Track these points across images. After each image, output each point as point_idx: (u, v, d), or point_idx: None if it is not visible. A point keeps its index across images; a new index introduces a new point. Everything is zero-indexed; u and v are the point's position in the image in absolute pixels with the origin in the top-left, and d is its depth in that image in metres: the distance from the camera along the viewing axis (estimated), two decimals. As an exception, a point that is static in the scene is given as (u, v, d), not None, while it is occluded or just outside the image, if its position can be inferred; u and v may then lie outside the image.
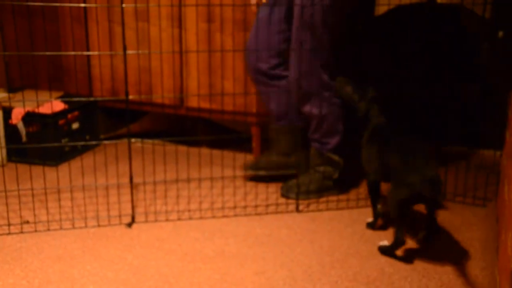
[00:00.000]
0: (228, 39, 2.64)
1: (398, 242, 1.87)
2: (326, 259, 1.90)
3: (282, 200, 2.36)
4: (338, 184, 2.43)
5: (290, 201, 2.34)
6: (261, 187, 2.47)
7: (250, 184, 2.49)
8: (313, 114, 2.37)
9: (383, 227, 2.12)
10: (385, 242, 1.94)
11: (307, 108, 2.37)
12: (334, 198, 2.39)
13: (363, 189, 2.45)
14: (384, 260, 1.90)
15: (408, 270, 1.84)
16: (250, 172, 2.54)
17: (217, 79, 2.71)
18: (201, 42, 2.68)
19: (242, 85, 2.68)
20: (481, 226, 2.16)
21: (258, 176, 2.54)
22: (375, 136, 2.05)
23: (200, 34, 2.67)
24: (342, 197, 2.39)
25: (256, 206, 2.30)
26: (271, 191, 2.44)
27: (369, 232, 2.10)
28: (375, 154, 2.02)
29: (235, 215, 2.23)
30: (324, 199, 2.38)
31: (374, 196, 2.11)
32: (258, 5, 2.41)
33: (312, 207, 2.32)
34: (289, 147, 2.52)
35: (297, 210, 2.28)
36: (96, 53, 2.87)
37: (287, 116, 2.50)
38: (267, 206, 2.30)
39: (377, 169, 2.02)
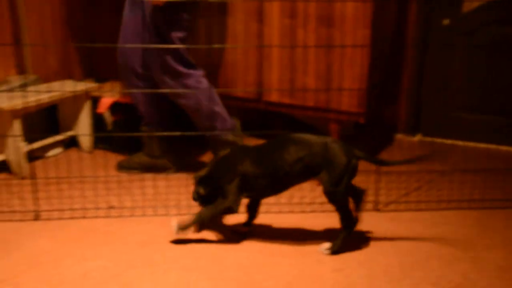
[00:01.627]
0: (310, 35, 2.63)
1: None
2: (407, 260, 1.86)
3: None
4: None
5: (369, 199, 2.31)
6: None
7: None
8: (187, 105, 2.42)
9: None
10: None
11: (181, 101, 2.42)
12: (414, 199, 2.33)
13: (446, 192, 2.38)
14: (468, 265, 1.83)
15: (492, 278, 1.77)
16: (124, 171, 2.58)
17: (297, 74, 2.71)
18: (282, 37, 2.68)
19: (322, 81, 2.66)
20: None
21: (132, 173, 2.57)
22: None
23: (282, 29, 2.68)
24: (423, 198, 2.34)
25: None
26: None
27: (451, 235, 2.04)
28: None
29: (313, 211, 2.23)
30: (403, 199, 2.33)
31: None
32: None
33: (392, 206, 2.28)
34: (156, 151, 2.57)
35: (376, 209, 2.25)
36: (181, 46, 2.94)
37: (156, 120, 2.55)
38: (344, 203, 2.28)
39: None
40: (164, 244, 1.94)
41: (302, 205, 2.27)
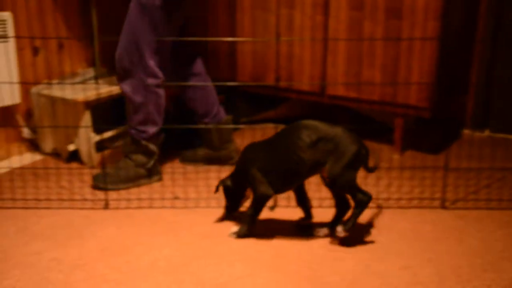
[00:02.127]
0: (377, 28, 2.58)
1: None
2: (477, 261, 1.81)
3: (426, 195, 2.28)
4: (151, 173, 2.38)
5: (435, 196, 2.26)
6: (405, 180, 2.40)
7: (392, 176, 2.44)
8: (133, 99, 2.30)
9: None
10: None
11: (124, 87, 2.31)
12: (483, 196, 2.26)
13: (516, 190, 2.29)
14: (543, 268, 1.76)
15: None
16: (187, 163, 2.58)
17: (362, 67, 2.67)
18: (348, 30, 2.65)
19: (387, 74, 2.61)
20: None
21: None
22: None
23: (346, 21, 2.64)
24: (494, 196, 2.26)
25: (398, 199, 2.24)
26: (415, 184, 2.36)
27: (524, 236, 1.96)
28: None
29: (377, 207, 2.20)
30: (472, 196, 2.26)
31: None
32: None
33: (459, 204, 2.21)
34: (216, 142, 2.57)
35: (443, 206, 2.19)
36: (249, 39, 2.95)
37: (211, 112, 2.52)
38: (410, 200, 2.24)
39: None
40: (228, 236, 1.96)
41: (378, 201, 2.23)
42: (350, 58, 2.69)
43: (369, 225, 2.05)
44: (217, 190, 2.02)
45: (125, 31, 2.28)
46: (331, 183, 1.88)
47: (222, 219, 2.08)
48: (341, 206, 1.95)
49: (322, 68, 2.79)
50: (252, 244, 1.91)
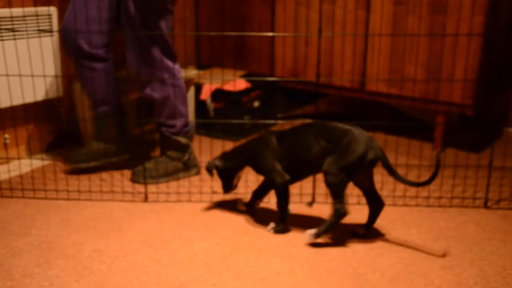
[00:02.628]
0: (417, 23, 2.54)
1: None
2: (522, 263, 1.76)
3: (468, 194, 2.24)
4: (188, 166, 2.37)
5: (478, 196, 2.21)
6: (446, 178, 2.35)
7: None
8: (153, 97, 2.27)
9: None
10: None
11: (147, 92, 2.28)
12: (527, 197, 2.20)
13: (562, 190, 2.22)
14: None
15: None
16: (74, 166, 2.41)
17: (403, 63, 2.63)
18: (388, 25, 2.61)
19: (429, 71, 2.57)
20: None
21: (81, 168, 2.42)
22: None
23: (388, 16, 2.61)
24: (538, 197, 2.20)
25: (439, 198, 2.20)
26: (456, 183, 2.32)
27: None
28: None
29: (417, 205, 2.16)
30: (515, 197, 2.21)
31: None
32: None
33: (503, 204, 2.16)
34: (111, 134, 2.41)
35: (485, 206, 2.14)
36: (291, 34, 2.94)
37: (107, 102, 2.37)
38: (451, 198, 2.20)
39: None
40: (267, 231, 1.96)
41: (405, 199, 2.21)
42: (391, 54, 2.65)
43: (409, 223, 2.02)
44: (211, 173, 2.04)
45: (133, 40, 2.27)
46: (324, 178, 1.85)
47: (261, 213, 2.08)
48: (373, 204, 1.93)
49: (363, 64, 2.76)
50: (291, 240, 1.90)
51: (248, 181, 2.36)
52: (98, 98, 2.36)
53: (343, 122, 1.85)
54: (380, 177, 2.38)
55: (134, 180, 2.35)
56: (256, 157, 1.96)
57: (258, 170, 1.99)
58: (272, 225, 1.96)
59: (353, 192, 2.21)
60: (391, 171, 1.82)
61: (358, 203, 2.16)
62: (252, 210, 2.11)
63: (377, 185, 2.30)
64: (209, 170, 2.03)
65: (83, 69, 2.30)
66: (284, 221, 1.94)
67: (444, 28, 2.46)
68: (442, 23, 2.46)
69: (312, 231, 1.86)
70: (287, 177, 1.91)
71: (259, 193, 2.08)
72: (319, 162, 1.85)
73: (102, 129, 2.40)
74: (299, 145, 1.88)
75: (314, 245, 1.87)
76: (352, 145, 1.78)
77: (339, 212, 1.82)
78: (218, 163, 2.02)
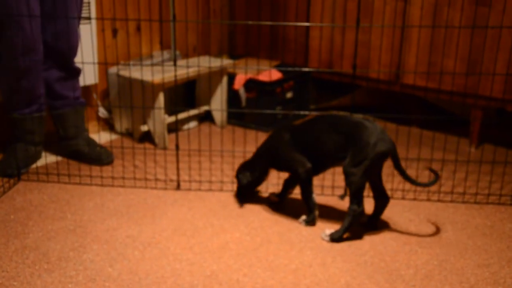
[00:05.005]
0: (457, 14, 2.47)
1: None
2: (562, 263, 1.71)
3: (506, 191, 2.18)
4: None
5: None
6: (482, 174, 2.30)
7: (469, 170, 2.34)
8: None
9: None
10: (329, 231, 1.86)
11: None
12: None
13: None
14: None
15: None
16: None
17: (441, 56, 2.57)
18: (426, 16, 2.55)
19: (465, 64, 2.50)
20: None
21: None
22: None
23: (426, 8, 2.55)
24: None
25: (475, 194, 2.15)
26: (494, 180, 2.26)
27: None
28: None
29: (452, 201, 2.12)
30: (555, 196, 2.14)
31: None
32: None
33: (542, 203, 2.10)
34: (40, 137, 2.34)
35: (522, 204, 2.09)
36: (328, 24, 2.91)
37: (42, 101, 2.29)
38: (488, 195, 2.15)
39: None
40: (298, 223, 1.95)
41: (440, 194, 2.17)
42: (430, 47, 2.59)
43: (444, 219, 1.98)
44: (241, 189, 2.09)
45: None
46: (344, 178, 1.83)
47: (292, 205, 2.07)
48: (379, 199, 1.91)
49: (398, 56, 2.71)
50: (322, 232, 1.89)
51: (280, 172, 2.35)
52: (39, 96, 2.28)
53: (359, 114, 1.85)
54: (414, 171, 2.33)
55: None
56: (274, 155, 1.96)
57: (279, 167, 1.99)
58: (303, 217, 1.95)
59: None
60: (398, 166, 1.81)
61: (368, 196, 2.13)
62: (283, 200, 2.10)
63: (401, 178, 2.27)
64: (240, 187, 2.07)
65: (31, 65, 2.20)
66: (312, 211, 1.93)
67: (487, 20, 2.39)
68: (485, 15, 2.39)
69: (328, 232, 1.85)
70: (308, 164, 1.90)
71: (289, 182, 2.07)
72: (334, 155, 1.84)
73: (30, 131, 2.30)
74: (313, 140, 1.87)
75: (347, 238, 1.85)
76: (363, 138, 1.76)
77: (355, 212, 1.81)
78: (244, 180, 2.03)
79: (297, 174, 1.92)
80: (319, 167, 1.93)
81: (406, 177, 1.82)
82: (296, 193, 2.14)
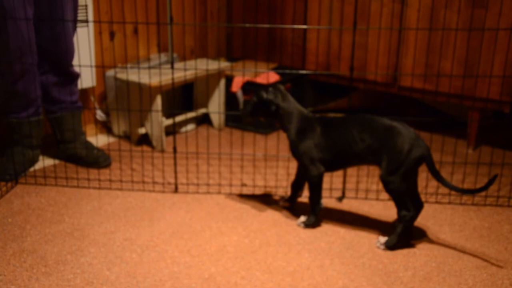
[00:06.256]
0: (454, 17, 2.48)
1: None
2: (559, 265, 1.71)
3: (503, 193, 2.19)
4: None
5: (513, 195, 2.16)
6: (480, 176, 2.30)
7: (466, 172, 2.35)
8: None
9: None
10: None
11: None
12: None
13: None
14: None
15: None
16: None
17: (438, 59, 2.58)
18: (423, 19, 2.56)
19: (463, 66, 2.51)
20: None
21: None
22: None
23: (423, 10, 2.56)
24: None
25: (473, 196, 2.16)
26: (491, 182, 2.27)
27: None
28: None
29: (449, 203, 2.12)
30: (553, 197, 2.15)
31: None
32: None
33: (539, 204, 2.11)
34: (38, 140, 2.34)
35: (521, 205, 2.09)
36: (325, 27, 2.91)
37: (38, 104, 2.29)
38: (485, 197, 2.15)
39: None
40: (296, 225, 1.95)
41: (438, 196, 2.17)
42: (427, 49, 2.59)
43: (441, 221, 1.98)
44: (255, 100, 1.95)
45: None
46: (383, 187, 1.80)
47: (290, 208, 2.07)
48: (412, 205, 1.84)
49: (396, 59, 2.71)
50: (321, 234, 1.89)
51: (278, 175, 2.35)
52: (35, 100, 2.28)
53: (388, 117, 1.81)
54: (412, 174, 2.34)
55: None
56: (298, 138, 1.88)
57: (295, 153, 1.91)
58: (302, 218, 1.95)
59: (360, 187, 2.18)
60: (435, 173, 1.75)
61: (366, 198, 2.13)
62: (293, 205, 2.08)
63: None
64: (257, 97, 1.93)
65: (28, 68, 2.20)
66: (315, 215, 1.93)
67: (483, 23, 2.40)
68: (481, 17, 2.40)
69: (382, 240, 1.82)
70: (322, 169, 1.87)
71: (297, 185, 2.05)
72: (363, 158, 1.82)
73: (28, 134, 2.30)
74: (343, 140, 1.82)
75: (345, 240, 1.85)
76: (397, 144, 1.73)
77: (405, 218, 1.79)
78: (271, 96, 1.90)
79: (308, 174, 1.89)
80: (341, 165, 1.90)
81: (443, 182, 1.76)
82: (304, 195, 2.14)
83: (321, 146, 1.86)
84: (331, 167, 1.89)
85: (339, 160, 1.86)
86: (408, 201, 1.80)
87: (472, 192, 1.76)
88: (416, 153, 1.73)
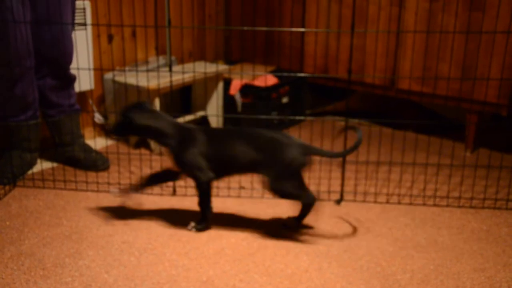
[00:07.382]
0: (451, 20, 2.49)
1: None
2: (557, 267, 1.72)
3: (501, 195, 2.19)
4: None
5: None
6: (478, 179, 2.30)
7: (465, 174, 2.35)
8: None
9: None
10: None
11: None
12: None
13: None
14: None
15: None
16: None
17: (436, 62, 2.58)
18: (421, 21, 2.57)
19: (460, 69, 2.52)
20: None
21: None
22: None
23: (421, 13, 2.56)
24: None
25: (471, 199, 2.16)
26: (490, 184, 2.27)
27: None
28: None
29: (448, 205, 2.13)
30: (550, 199, 2.15)
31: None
32: None
33: (537, 207, 2.11)
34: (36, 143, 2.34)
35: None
36: (323, 30, 2.92)
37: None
38: (483, 199, 2.15)
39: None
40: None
41: (435, 199, 2.17)
42: (425, 52, 2.60)
43: (439, 224, 1.99)
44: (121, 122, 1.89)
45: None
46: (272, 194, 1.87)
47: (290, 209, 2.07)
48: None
49: (393, 61, 2.72)
50: (319, 237, 1.89)
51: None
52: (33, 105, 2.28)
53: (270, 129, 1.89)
54: (409, 176, 2.34)
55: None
56: (181, 149, 1.86)
57: (181, 164, 1.87)
58: (192, 224, 1.94)
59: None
60: (333, 155, 1.93)
61: (364, 201, 2.14)
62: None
63: (407, 184, 2.28)
64: (124, 117, 1.87)
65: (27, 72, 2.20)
66: (206, 219, 1.93)
67: (481, 26, 2.41)
68: (479, 20, 2.41)
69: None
70: (211, 175, 1.87)
71: (157, 179, 1.99)
72: (246, 168, 1.87)
73: (26, 138, 2.29)
74: (227, 151, 1.85)
75: (343, 243, 1.85)
76: (281, 154, 1.80)
77: (308, 200, 1.86)
78: (138, 118, 1.84)
79: (197, 181, 1.88)
80: (225, 174, 1.93)
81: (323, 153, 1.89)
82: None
83: (205, 154, 1.86)
84: (216, 175, 1.90)
85: (223, 169, 1.89)
86: (302, 192, 1.87)
87: (343, 154, 1.96)
88: (298, 161, 1.81)
